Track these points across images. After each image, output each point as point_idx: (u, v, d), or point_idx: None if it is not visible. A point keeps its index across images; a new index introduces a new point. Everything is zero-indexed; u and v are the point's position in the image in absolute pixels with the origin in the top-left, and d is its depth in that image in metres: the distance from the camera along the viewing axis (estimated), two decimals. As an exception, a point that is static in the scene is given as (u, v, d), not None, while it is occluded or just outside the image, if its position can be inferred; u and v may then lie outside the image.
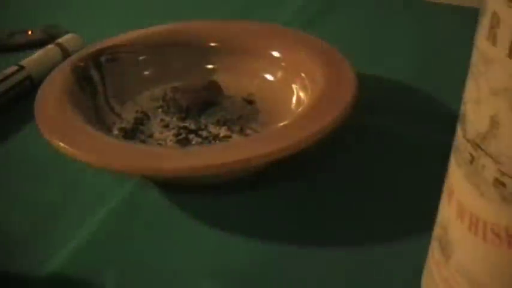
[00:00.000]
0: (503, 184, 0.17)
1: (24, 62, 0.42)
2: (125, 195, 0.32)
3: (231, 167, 0.28)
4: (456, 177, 0.19)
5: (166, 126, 0.36)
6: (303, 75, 0.37)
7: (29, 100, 0.35)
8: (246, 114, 0.37)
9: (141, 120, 0.37)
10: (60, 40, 0.44)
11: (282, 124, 0.31)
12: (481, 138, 0.17)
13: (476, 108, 0.17)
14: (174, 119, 0.37)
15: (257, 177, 0.33)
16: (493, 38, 0.16)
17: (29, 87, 0.41)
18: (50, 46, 0.44)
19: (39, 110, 0.33)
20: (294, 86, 0.37)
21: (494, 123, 0.16)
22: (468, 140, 0.18)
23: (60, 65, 0.37)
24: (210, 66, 0.40)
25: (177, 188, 0.33)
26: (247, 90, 0.39)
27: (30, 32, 0.47)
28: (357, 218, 0.30)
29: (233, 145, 0.30)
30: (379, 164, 0.33)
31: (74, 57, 0.38)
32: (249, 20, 0.43)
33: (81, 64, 0.37)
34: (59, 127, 0.31)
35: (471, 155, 0.18)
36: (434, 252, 0.22)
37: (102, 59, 0.38)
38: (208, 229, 0.30)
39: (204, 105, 0.37)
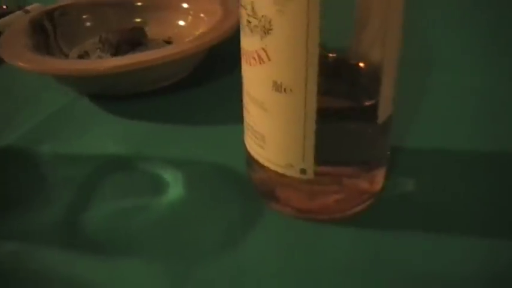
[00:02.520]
0: (249, 22, 0.28)
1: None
2: (64, 103, 0.44)
3: (140, 65, 0.39)
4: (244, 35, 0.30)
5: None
6: (204, 18, 0.49)
7: None
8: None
9: (82, 56, 0.49)
10: (27, 7, 0.56)
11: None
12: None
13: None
14: (108, 54, 0.48)
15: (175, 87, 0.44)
16: None
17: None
18: (19, 12, 0.56)
19: (2, 45, 0.45)
20: (199, 27, 0.49)
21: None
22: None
23: (22, 18, 0.49)
24: (138, 20, 0.52)
25: (105, 98, 0.44)
26: (167, 34, 0.51)
27: (5, 7, 0.60)
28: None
29: (142, 55, 0.42)
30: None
31: (32, 13, 0.50)
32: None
33: (37, 16, 0.49)
34: (17, 54, 0.43)
35: (244, 10, 0.29)
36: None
37: (55, 14, 0.50)
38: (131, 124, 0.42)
39: (132, 44, 0.49)
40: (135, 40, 0.49)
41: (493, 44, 0.51)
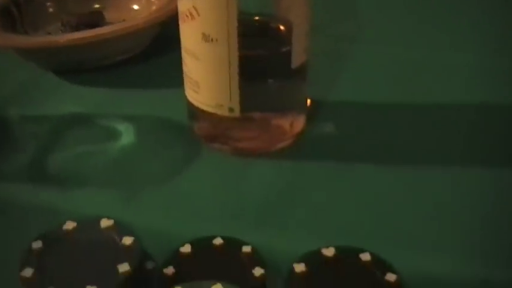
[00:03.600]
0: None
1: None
2: (30, 77, 0.49)
3: (96, 38, 0.45)
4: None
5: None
6: (155, 1, 0.55)
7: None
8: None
9: (46, 38, 0.54)
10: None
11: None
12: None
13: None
14: (69, 36, 0.54)
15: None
16: None
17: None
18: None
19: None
20: (151, 9, 0.55)
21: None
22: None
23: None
24: (97, 6, 0.58)
25: (68, 72, 0.50)
26: (122, 17, 0.56)
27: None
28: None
29: (99, 29, 0.47)
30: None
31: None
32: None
33: (4, 3, 0.54)
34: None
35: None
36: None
37: (21, 0, 0.55)
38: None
39: (91, 26, 0.54)
40: (94, 22, 0.54)
41: (419, 19, 0.58)
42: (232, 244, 0.27)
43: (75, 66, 0.49)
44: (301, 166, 0.37)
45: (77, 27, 0.53)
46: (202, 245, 0.26)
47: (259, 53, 0.35)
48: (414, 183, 0.35)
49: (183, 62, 0.37)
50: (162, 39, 0.51)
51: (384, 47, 0.51)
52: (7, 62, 0.51)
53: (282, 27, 0.36)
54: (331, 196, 0.34)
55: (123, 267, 0.21)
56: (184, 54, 0.37)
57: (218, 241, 0.27)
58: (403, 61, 0.49)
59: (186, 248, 0.26)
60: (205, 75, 0.35)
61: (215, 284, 0.21)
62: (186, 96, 0.38)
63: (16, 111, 0.44)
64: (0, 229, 0.32)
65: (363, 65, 0.49)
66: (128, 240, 0.22)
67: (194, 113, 0.38)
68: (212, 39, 0.34)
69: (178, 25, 0.36)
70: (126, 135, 0.40)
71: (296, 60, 0.36)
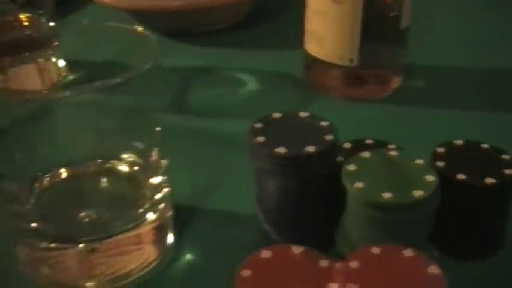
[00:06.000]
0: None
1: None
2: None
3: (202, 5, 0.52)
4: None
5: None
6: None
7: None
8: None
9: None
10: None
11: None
12: None
13: None
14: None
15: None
16: None
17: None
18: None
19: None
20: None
21: None
22: None
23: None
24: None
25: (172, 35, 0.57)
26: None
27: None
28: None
29: None
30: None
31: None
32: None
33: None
34: None
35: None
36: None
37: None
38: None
39: None
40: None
41: None
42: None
43: (181, 30, 0.57)
44: (401, 111, 0.44)
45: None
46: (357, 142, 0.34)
47: (377, 14, 0.43)
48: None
49: (307, 21, 0.45)
50: (256, 12, 0.59)
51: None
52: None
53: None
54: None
55: (329, 137, 0.29)
56: (310, 15, 0.45)
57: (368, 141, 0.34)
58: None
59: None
60: (331, 31, 0.44)
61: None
62: (305, 50, 0.46)
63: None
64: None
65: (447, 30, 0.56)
66: (324, 123, 0.30)
67: (312, 64, 0.46)
68: (340, 1, 0.42)
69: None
70: (250, 82, 0.48)
71: (403, 23, 0.44)
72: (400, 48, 0.46)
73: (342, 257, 0.26)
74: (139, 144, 0.31)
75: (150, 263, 0.30)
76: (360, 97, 0.46)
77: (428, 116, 0.44)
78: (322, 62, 0.45)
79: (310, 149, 0.28)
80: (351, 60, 0.44)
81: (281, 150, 0.28)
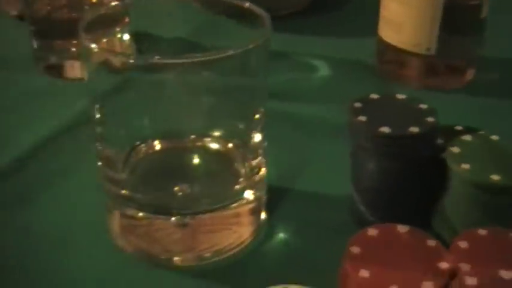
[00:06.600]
0: None
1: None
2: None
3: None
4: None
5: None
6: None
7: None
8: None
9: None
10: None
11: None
12: None
13: None
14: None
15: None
16: None
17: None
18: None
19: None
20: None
21: None
22: None
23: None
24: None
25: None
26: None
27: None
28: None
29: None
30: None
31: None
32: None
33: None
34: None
35: None
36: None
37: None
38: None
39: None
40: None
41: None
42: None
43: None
44: (477, 102, 0.44)
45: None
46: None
47: (458, 2, 0.43)
48: None
49: (383, 8, 0.45)
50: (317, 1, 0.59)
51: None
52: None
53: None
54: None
55: (430, 119, 0.29)
56: (387, 1, 0.45)
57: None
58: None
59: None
60: (409, 19, 0.43)
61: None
62: (379, 37, 0.46)
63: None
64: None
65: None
66: (423, 106, 0.30)
67: (385, 51, 0.46)
68: (421, -12, 0.42)
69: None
70: (322, 68, 0.48)
71: (483, 13, 0.44)
72: (478, 39, 0.45)
73: (439, 239, 0.26)
74: (241, 125, 0.31)
75: (243, 242, 0.30)
76: (433, 87, 0.45)
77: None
78: (397, 49, 0.45)
79: (414, 129, 0.28)
80: (428, 49, 0.43)
81: (385, 129, 0.28)
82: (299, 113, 0.41)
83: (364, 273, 0.24)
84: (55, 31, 0.48)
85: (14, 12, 0.58)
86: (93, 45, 0.26)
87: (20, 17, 0.57)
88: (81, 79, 0.47)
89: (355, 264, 0.24)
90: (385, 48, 0.46)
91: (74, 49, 0.48)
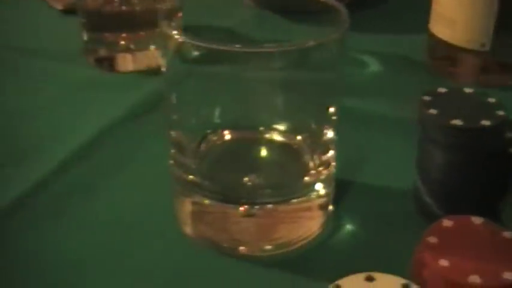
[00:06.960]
0: None
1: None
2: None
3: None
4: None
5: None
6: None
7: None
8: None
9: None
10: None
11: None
12: None
13: None
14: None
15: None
16: None
17: None
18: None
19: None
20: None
21: None
22: None
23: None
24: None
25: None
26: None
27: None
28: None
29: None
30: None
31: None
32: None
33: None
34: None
35: None
36: None
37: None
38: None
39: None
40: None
41: None
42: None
43: (283, 7, 0.56)
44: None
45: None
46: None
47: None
48: None
49: (436, 3, 0.45)
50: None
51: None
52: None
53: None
54: None
55: (500, 113, 0.29)
56: (441, -3, 0.45)
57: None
58: None
59: None
60: (463, 14, 0.43)
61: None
62: (431, 33, 0.46)
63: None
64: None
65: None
66: (492, 99, 0.30)
67: (437, 47, 0.46)
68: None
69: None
70: (372, 64, 0.48)
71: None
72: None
73: None
74: (312, 119, 0.31)
75: (310, 235, 0.31)
76: (486, 84, 0.45)
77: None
78: (449, 45, 0.45)
79: (486, 122, 0.28)
80: (483, 45, 0.43)
81: (457, 122, 0.28)
82: (356, 107, 0.41)
83: (444, 262, 0.24)
84: (106, 24, 0.49)
85: (60, 7, 0.59)
86: (174, 32, 0.26)
87: (66, 11, 0.58)
88: (132, 72, 0.49)
89: (433, 254, 0.25)
90: (437, 44, 0.46)
91: (123, 42, 0.49)
